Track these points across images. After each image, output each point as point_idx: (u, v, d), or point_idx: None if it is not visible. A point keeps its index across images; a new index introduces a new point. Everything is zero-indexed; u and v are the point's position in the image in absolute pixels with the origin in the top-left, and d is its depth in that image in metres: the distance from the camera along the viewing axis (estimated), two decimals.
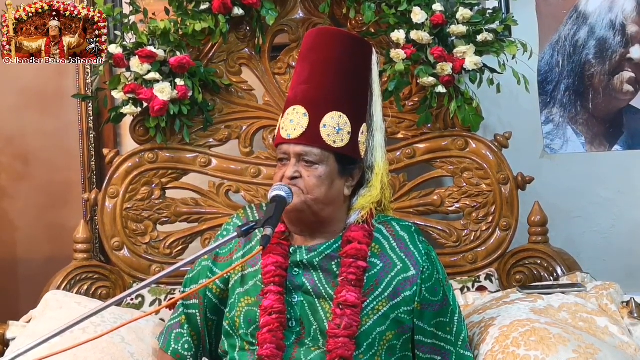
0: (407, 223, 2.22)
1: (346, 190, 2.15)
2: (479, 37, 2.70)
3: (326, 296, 2.11)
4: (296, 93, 2.14)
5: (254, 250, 2.03)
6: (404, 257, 2.14)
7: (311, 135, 2.08)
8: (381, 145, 2.19)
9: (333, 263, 2.13)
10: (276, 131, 2.18)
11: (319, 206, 2.09)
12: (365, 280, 2.10)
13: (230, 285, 2.21)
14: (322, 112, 2.09)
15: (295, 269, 2.14)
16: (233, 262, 2.19)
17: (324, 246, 2.14)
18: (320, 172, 2.08)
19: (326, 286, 2.11)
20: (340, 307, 2.06)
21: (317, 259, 2.13)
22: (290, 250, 2.15)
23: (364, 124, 2.16)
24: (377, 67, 2.23)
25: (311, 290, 2.12)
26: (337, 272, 2.11)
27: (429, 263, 2.14)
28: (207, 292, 2.23)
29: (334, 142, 2.09)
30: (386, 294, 2.11)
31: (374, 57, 2.22)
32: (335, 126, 2.09)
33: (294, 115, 2.11)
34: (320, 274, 2.13)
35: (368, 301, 2.09)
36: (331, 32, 2.29)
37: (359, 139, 2.13)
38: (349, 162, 2.13)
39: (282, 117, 2.15)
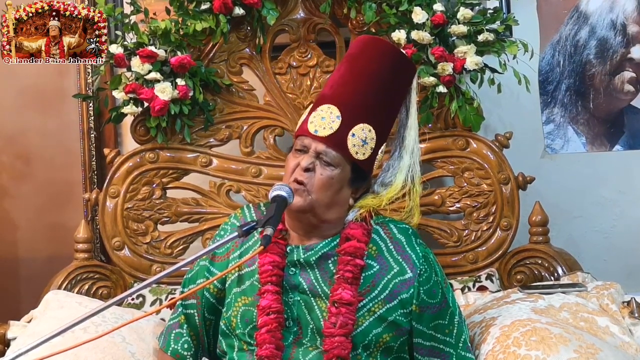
0: (404, 225, 2.21)
1: (351, 200, 2.16)
2: (480, 37, 2.70)
3: (322, 295, 2.10)
4: (334, 92, 2.13)
5: (251, 249, 2.04)
6: (400, 260, 2.13)
7: (338, 140, 2.08)
8: (409, 167, 2.18)
9: (329, 262, 2.12)
10: (302, 119, 2.17)
11: (322, 209, 2.09)
12: (361, 280, 2.10)
13: (227, 285, 2.21)
14: (355, 121, 2.09)
15: (292, 269, 2.13)
16: (230, 261, 2.19)
17: (321, 245, 2.14)
18: (334, 174, 2.08)
19: (322, 285, 2.11)
20: (336, 305, 2.06)
21: (314, 258, 2.13)
22: (287, 249, 2.15)
23: (384, 144, 2.16)
24: (416, 90, 2.23)
25: (307, 290, 2.11)
26: (334, 271, 2.11)
27: (426, 265, 2.13)
28: (205, 292, 2.23)
29: (356, 153, 2.09)
30: (382, 296, 2.10)
31: (415, 81, 2.21)
32: (363, 138, 2.09)
33: (327, 114, 2.10)
34: (317, 272, 2.12)
35: (364, 302, 2.09)
36: (382, 44, 2.23)
37: (377, 157, 2.15)
38: (362, 176, 2.14)
39: (312, 109, 2.14)
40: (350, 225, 2.14)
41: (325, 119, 2.10)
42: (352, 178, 2.11)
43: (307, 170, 2.07)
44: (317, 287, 2.11)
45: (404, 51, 2.67)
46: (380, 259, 2.13)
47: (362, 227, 2.14)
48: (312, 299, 2.11)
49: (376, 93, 2.13)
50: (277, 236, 2.14)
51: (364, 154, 2.10)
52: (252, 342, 2.10)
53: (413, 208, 2.19)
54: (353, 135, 2.08)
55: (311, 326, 2.09)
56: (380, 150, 2.15)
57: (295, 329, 2.10)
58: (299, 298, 2.12)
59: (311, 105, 2.19)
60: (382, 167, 2.24)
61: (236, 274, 2.20)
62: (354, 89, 2.13)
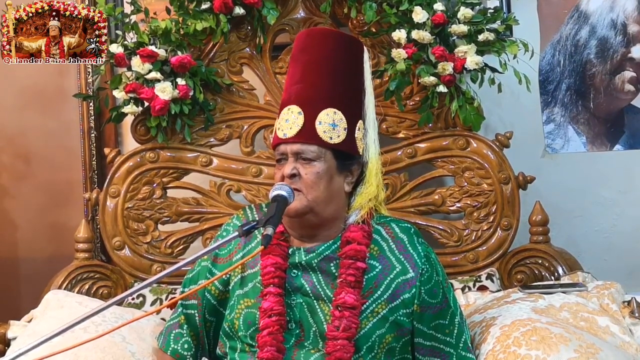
0: (406, 224, 2.21)
1: (346, 187, 2.15)
2: (480, 37, 2.70)
3: (325, 298, 2.10)
4: (290, 94, 2.15)
5: (254, 251, 2.03)
6: (402, 259, 2.13)
7: (307, 133, 2.08)
8: (374, 141, 2.19)
9: (332, 264, 2.12)
10: (273, 133, 2.18)
11: (321, 206, 2.09)
12: (364, 282, 2.09)
13: (230, 287, 2.20)
14: (317, 110, 2.10)
15: (294, 271, 2.13)
16: (232, 263, 2.18)
17: (323, 247, 2.14)
18: (318, 169, 2.08)
19: (325, 288, 2.11)
20: (339, 309, 2.06)
21: (316, 261, 2.12)
22: (289, 251, 2.15)
23: (360, 121, 2.16)
24: (369, 64, 2.23)
25: (310, 292, 2.11)
26: (336, 274, 2.10)
27: (428, 265, 2.13)
28: (206, 294, 2.23)
29: (330, 138, 2.09)
30: (385, 297, 2.10)
31: (366, 55, 2.22)
32: (330, 122, 2.09)
33: (289, 115, 2.11)
34: (319, 275, 2.12)
35: (367, 303, 2.09)
36: (321, 32, 2.31)
37: (356, 135, 2.14)
38: (347, 158, 2.13)
39: (277, 118, 2.16)
40: (350, 228, 2.14)
41: (289, 120, 2.11)
42: (337, 165, 2.11)
43: (292, 176, 2.08)
44: (320, 289, 2.11)
45: (404, 50, 2.67)
46: (382, 259, 2.13)
47: (362, 229, 2.13)
48: (314, 301, 2.11)
49: (329, 78, 2.14)
50: (279, 238, 2.14)
51: (338, 136, 2.10)
52: (253, 344, 2.10)
53: (370, 178, 2.17)
54: (320, 123, 2.09)
55: (314, 329, 2.09)
56: (357, 128, 2.15)
57: (297, 331, 2.10)
58: (301, 300, 2.12)
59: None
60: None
61: (239, 276, 2.19)
62: (307, 82, 2.14)
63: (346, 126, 2.11)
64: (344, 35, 2.29)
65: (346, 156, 2.13)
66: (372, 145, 2.18)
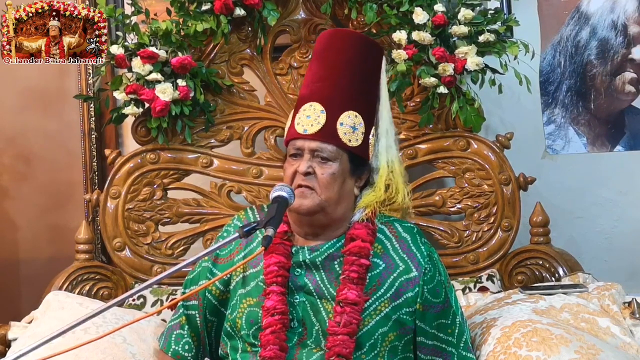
0: (409, 224, 2.21)
1: (356, 190, 2.16)
2: (481, 38, 2.70)
3: (328, 296, 2.10)
4: (312, 90, 2.15)
5: (255, 251, 2.03)
6: (406, 258, 2.13)
7: (328, 132, 2.09)
8: (386, 148, 2.19)
9: (335, 262, 2.13)
10: (287, 126, 2.18)
11: (332, 207, 2.10)
12: (367, 280, 2.10)
13: (231, 287, 2.20)
14: (340, 111, 2.10)
15: (298, 269, 2.14)
16: (234, 263, 2.19)
17: (327, 246, 2.14)
18: (334, 169, 2.08)
19: (328, 286, 2.11)
20: (341, 304, 2.06)
21: (320, 259, 2.13)
22: (293, 250, 2.15)
23: (374, 127, 2.16)
24: (386, 71, 2.24)
25: (313, 291, 2.12)
26: (340, 272, 2.11)
27: (430, 264, 2.14)
28: (207, 294, 2.23)
29: (349, 140, 2.10)
30: (388, 295, 2.10)
31: (383, 62, 2.23)
32: (351, 125, 2.10)
33: (311, 111, 2.11)
34: (323, 274, 2.12)
35: (370, 301, 2.09)
36: (347, 33, 2.31)
37: (370, 141, 2.14)
38: (361, 163, 2.14)
39: (295, 112, 2.15)
40: (354, 226, 2.14)
41: (310, 117, 2.10)
42: (351, 168, 2.12)
43: (307, 174, 2.07)
44: (323, 288, 2.11)
45: (404, 51, 2.68)
46: (386, 258, 2.13)
47: (366, 227, 2.14)
48: (318, 300, 2.11)
49: (352, 80, 2.14)
50: (282, 237, 2.15)
51: (356, 140, 2.11)
52: (256, 343, 2.10)
53: (395, 187, 2.18)
54: (341, 124, 2.10)
55: (316, 327, 2.09)
56: (371, 134, 2.15)
57: (300, 329, 2.10)
58: (304, 299, 2.12)
59: (292, 111, 2.19)
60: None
61: (241, 276, 2.19)
62: (330, 82, 2.14)
63: (364, 131, 2.13)
64: (368, 39, 2.29)
65: (360, 160, 2.14)
66: (383, 153, 2.18)
